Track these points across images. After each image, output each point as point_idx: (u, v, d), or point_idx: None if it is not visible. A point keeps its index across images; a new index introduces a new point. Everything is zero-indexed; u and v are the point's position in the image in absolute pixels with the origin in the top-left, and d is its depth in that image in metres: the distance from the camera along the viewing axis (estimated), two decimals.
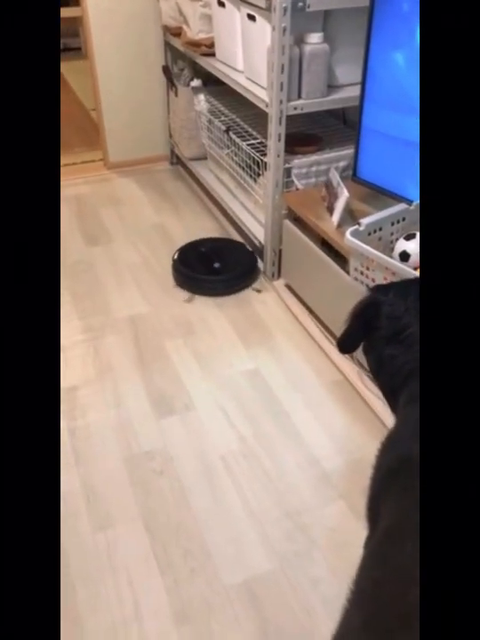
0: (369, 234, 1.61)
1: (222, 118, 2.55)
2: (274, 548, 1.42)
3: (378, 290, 1.13)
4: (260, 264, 2.38)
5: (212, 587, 1.34)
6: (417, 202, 1.68)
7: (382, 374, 1.09)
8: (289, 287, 2.29)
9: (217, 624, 1.27)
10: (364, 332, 1.13)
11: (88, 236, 2.66)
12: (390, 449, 0.93)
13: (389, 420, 1.66)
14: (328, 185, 1.99)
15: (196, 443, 1.69)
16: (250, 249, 2.43)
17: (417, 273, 1.48)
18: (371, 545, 0.80)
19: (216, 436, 1.71)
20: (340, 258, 1.85)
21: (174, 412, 1.79)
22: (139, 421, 1.75)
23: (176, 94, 2.90)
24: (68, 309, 2.20)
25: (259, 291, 2.28)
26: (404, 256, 1.59)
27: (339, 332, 1.18)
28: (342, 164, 2.16)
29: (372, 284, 1.58)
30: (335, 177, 1.93)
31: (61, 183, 3.11)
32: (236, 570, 1.37)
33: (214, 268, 2.32)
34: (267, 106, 1.98)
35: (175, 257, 2.37)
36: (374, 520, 0.90)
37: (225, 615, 1.29)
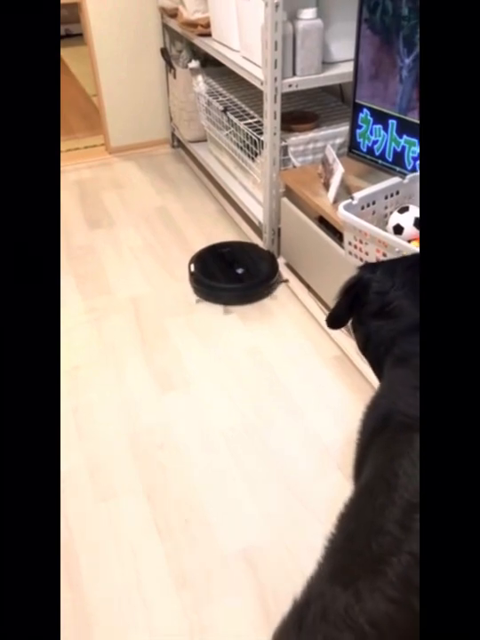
0: (363, 208, 1.62)
1: (220, 99, 2.56)
2: (272, 518, 1.45)
3: (366, 268, 1.17)
4: (261, 243, 2.39)
5: (212, 554, 1.38)
6: (411, 175, 1.69)
7: (370, 347, 1.13)
8: (289, 266, 2.30)
9: (216, 589, 1.31)
10: (352, 309, 1.16)
11: (90, 219, 2.68)
12: (373, 411, 0.96)
13: None
14: (324, 161, 1.99)
15: (197, 418, 1.72)
16: (265, 249, 2.33)
17: (411, 245, 1.49)
18: (348, 501, 0.83)
19: (216, 411, 1.74)
20: (337, 235, 1.86)
21: (175, 388, 1.82)
22: (140, 398, 1.79)
23: (175, 76, 2.90)
24: (71, 291, 2.23)
25: (286, 280, 2.23)
26: (398, 229, 1.60)
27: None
28: (339, 140, 2.17)
29: (365, 258, 1.59)
30: (331, 153, 1.94)
31: (64, 168, 3.14)
32: (236, 538, 1.41)
33: (237, 274, 2.19)
34: (262, 84, 1.98)
35: (192, 268, 2.23)
36: (358, 480, 0.93)
37: (224, 581, 1.33)
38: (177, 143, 3.29)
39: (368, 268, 1.17)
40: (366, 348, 1.15)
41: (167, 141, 3.31)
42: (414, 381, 0.92)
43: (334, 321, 1.24)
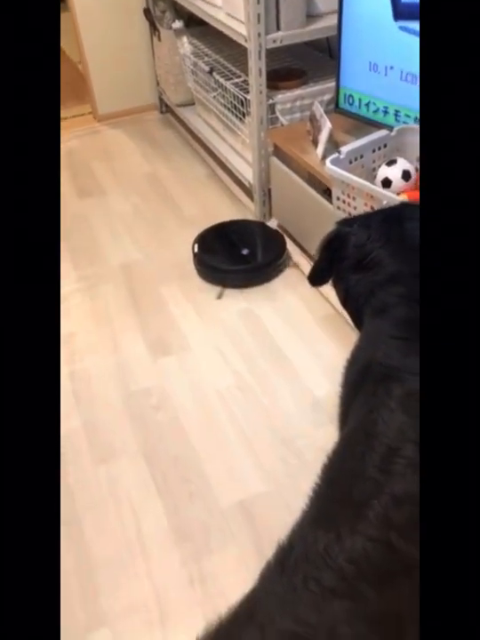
0: (350, 162, 1.60)
1: (206, 59, 2.51)
2: (268, 471, 1.48)
3: (343, 222, 1.17)
4: (252, 205, 2.38)
5: (210, 508, 1.41)
6: (398, 127, 1.67)
7: (350, 301, 1.13)
8: (281, 227, 2.29)
9: (215, 541, 1.34)
10: (332, 264, 1.16)
11: (80, 189, 2.66)
12: (354, 363, 0.97)
13: None
14: (312, 118, 1.97)
15: (192, 379, 1.74)
16: (273, 228, 2.22)
17: (399, 198, 1.48)
18: (331, 452, 0.85)
19: (211, 372, 1.76)
20: (327, 192, 1.85)
21: (170, 352, 1.83)
22: (136, 362, 1.80)
23: (159, 39, 2.84)
24: (64, 260, 2.23)
25: (296, 264, 2.12)
26: (386, 182, 1.59)
27: None
28: (327, 97, 2.13)
29: (354, 213, 1.58)
30: (318, 109, 1.92)
31: None
32: (232, 492, 1.43)
33: (242, 255, 2.10)
34: (245, 40, 1.95)
35: (196, 249, 2.13)
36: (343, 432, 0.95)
37: (222, 533, 1.36)
38: (165, 108, 3.24)
39: (346, 222, 1.17)
40: (347, 302, 1.15)
41: (155, 107, 3.27)
42: (392, 331, 0.93)
43: (316, 278, 1.24)
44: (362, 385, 0.90)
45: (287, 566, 0.72)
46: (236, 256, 2.10)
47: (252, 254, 2.10)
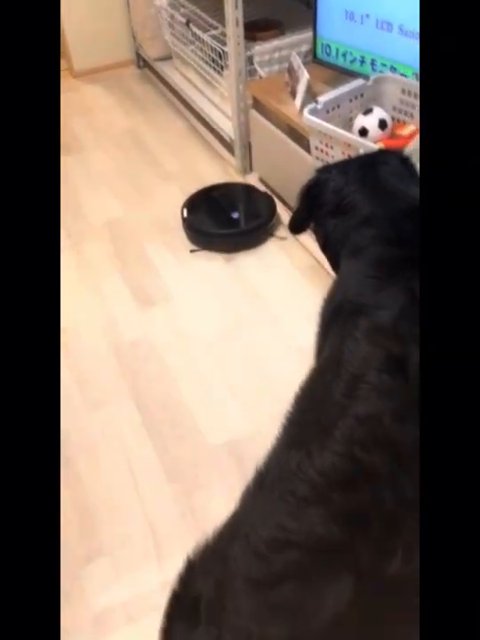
0: (328, 111, 1.63)
1: (182, 11, 2.49)
2: (254, 413, 1.55)
3: (322, 170, 1.20)
4: (233, 159, 2.39)
5: (198, 449, 1.48)
6: (374, 76, 1.69)
7: (329, 245, 1.18)
8: (262, 180, 2.32)
9: (204, 479, 1.42)
10: (312, 211, 1.20)
11: (60, 145, 2.65)
12: (329, 303, 1.03)
13: None
14: (290, 70, 1.98)
15: (178, 329, 1.79)
16: (262, 191, 2.20)
17: (376, 146, 1.52)
18: (302, 382, 0.91)
19: (197, 322, 1.81)
20: (306, 144, 1.87)
21: (156, 303, 1.88)
22: (123, 315, 1.85)
23: None
24: None
25: (283, 238, 2.07)
26: (363, 131, 1.62)
27: None
28: (304, 48, 2.14)
29: (332, 162, 1.62)
30: (296, 60, 1.93)
31: None
32: (220, 433, 1.51)
33: (232, 218, 2.07)
34: None
35: (185, 214, 2.10)
36: None
37: (211, 471, 1.44)
38: (142, 63, 3.20)
39: (324, 169, 1.21)
40: (326, 247, 1.20)
41: (132, 62, 3.22)
42: (365, 271, 0.98)
43: (296, 226, 1.29)
44: (335, 321, 0.96)
45: (265, 486, 0.80)
46: (225, 220, 2.07)
47: (241, 218, 2.08)
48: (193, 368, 1.67)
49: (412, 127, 1.64)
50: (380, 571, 0.64)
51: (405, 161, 1.19)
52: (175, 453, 1.48)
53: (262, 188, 2.28)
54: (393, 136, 1.65)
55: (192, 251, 2.05)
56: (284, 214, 2.13)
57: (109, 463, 1.47)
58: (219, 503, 1.36)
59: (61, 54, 3.21)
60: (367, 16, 1.71)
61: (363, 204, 1.08)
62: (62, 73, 3.20)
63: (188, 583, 0.77)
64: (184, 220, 2.09)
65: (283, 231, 2.09)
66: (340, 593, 0.62)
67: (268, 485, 0.79)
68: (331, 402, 0.79)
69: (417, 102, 1.63)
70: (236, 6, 1.92)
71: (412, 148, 1.49)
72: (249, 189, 2.23)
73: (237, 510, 0.82)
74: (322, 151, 1.63)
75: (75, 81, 3.15)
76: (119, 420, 1.56)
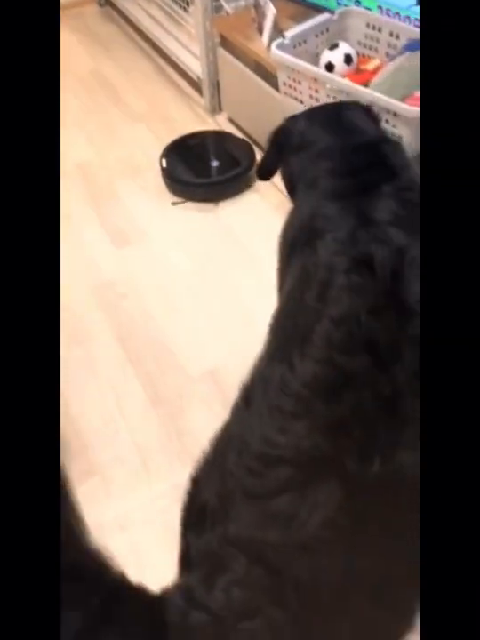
0: (295, 47, 1.66)
1: None
2: (234, 345, 1.62)
3: (289, 119, 1.25)
4: (201, 100, 2.40)
5: (182, 378, 1.56)
6: (340, 10, 1.71)
7: (292, 185, 1.21)
8: (231, 120, 2.33)
9: (188, 404, 1.51)
10: (279, 156, 1.25)
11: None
12: (285, 237, 1.09)
13: None
14: (256, 5, 1.98)
15: (156, 268, 1.85)
16: (240, 137, 2.19)
17: (343, 80, 1.56)
18: (276, 308, 0.98)
19: (174, 261, 1.86)
20: (274, 82, 1.90)
21: (131, 243, 1.93)
22: (99, 255, 1.89)
23: None
24: None
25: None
26: (329, 66, 1.65)
27: None
28: None
29: (300, 97, 1.66)
30: None
31: None
32: (202, 363, 1.59)
33: (212, 167, 2.07)
34: None
35: (164, 164, 2.07)
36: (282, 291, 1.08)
37: (194, 398, 1.52)
38: (105, 1, 3.12)
39: (291, 118, 1.25)
40: (294, 191, 1.21)
41: (94, 0, 3.13)
42: (318, 200, 1.02)
43: (264, 171, 1.33)
44: (293, 253, 1.00)
45: (252, 401, 0.83)
46: (204, 169, 2.06)
47: (224, 165, 2.07)
48: (172, 304, 1.74)
49: (376, 61, 1.68)
50: (364, 473, 0.69)
51: (369, 110, 1.24)
52: (158, 383, 1.56)
53: (232, 127, 2.30)
54: (358, 71, 1.69)
55: (174, 203, 2.04)
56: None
57: (95, 394, 1.54)
58: (202, 426, 1.45)
59: None
60: None
61: (321, 139, 1.13)
62: None
63: (195, 496, 0.81)
64: (163, 169, 2.07)
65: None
66: (329, 498, 0.67)
67: (255, 400, 0.82)
68: (305, 309, 0.84)
69: (381, 36, 1.67)
70: None
71: (377, 82, 1.54)
72: (226, 137, 2.22)
73: (228, 422, 0.86)
74: (290, 87, 1.66)
75: None
76: (102, 355, 1.63)
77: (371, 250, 0.83)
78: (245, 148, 2.13)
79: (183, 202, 2.03)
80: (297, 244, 1.00)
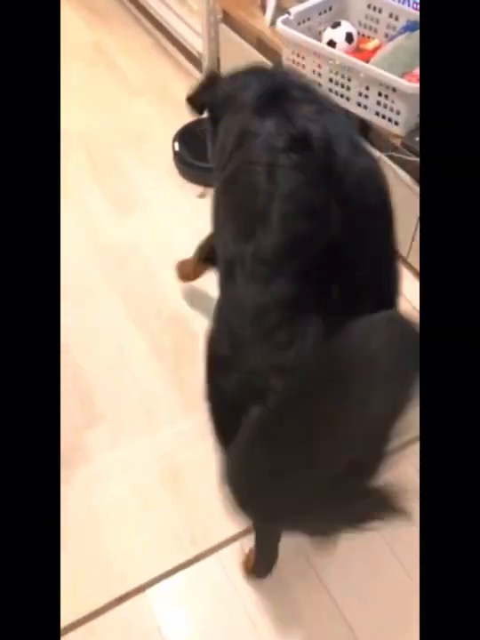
0: (299, 23, 1.73)
1: None
2: None
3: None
4: (200, 75, 2.46)
5: (183, 332, 1.64)
6: None
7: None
8: None
9: (189, 358, 1.58)
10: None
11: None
12: (220, 147, 1.15)
13: None
14: None
15: (157, 235, 1.91)
16: None
17: (344, 56, 1.64)
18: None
19: (175, 228, 1.93)
20: (276, 59, 1.97)
21: (133, 210, 1.99)
22: (101, 220, 1.95)
23: None
24: None
25: None
26: (331, 44, 1.73)
27: None
28: None
29: (303, 72, 1.73)
30: None
31: None
32: (202, 319, 1.66)
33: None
34: None
35: (176, 148, 2.09)
36: None
37: (195, 351, 1.57)
38: None
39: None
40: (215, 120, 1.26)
41: None
42: (244, 117, 1.07)
43: (194, 99, 1.40)
44: (231, 152, 1.07)
45: (234, 275, 0.95)
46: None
47: None
48: (172, 264, 1.80)
49: (376, 41, 1.76)
50: (337, 306, 0.86)
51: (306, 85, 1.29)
52: (161, 338, 1.63)
53: None
54: (358, 50, 1.78)
55: (200, 195, 2.03)
56: None
57: (102, 347, 1.61)
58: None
59: None
60: None
61: (247, 77, 1.20)
62: None
63: (215, 351, 0.96)
64: (176, 153, 2.09)
65: None
66: (313, 327, 0.84)
67: (236, 274, 0.95)
68: (259, 192, 0.94)
69: (381, 17, 1.75)
70: None
71: (377, 60, 1.63)
72: None
73: (222, 297, 1.01)
74: (294, 62, 1.74)
75: None
76: (106, 312, 1.69)
77: (306, 127, 0.95)
78: None
79: (206, 194, 2.03)
80: (233, 149, 1.07)
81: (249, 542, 1.27)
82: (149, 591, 1.25)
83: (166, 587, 1.25)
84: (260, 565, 1.24)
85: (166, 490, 1.37)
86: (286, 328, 0.86)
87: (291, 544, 1.22)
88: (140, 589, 1.25)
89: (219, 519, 1.27)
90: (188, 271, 1.65)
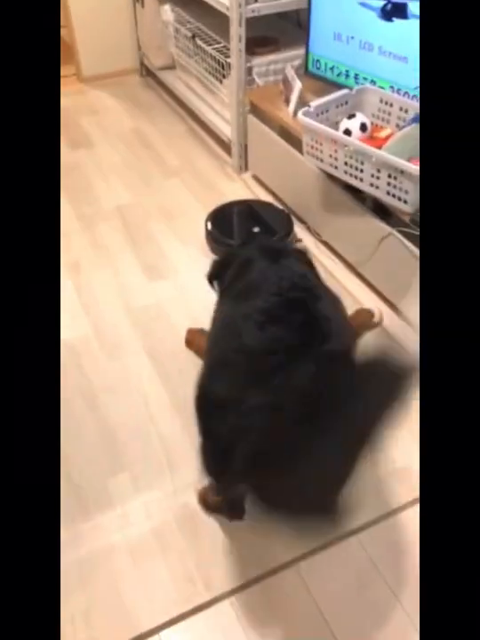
0: (318, 115, 1.94)
1: (188, 26, 2.79)
2: None
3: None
4: (229, 159, 2.69)
5: None
6: (357, 87, 2.01)
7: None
8: (256, 177, 2.61)
9: None
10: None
11: (71, 141, 2.92)
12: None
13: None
14: (284, 80, 2.29)
15: (184, 298, 2.06)
16: (280, 207, 2.35)
17: (359, 143, 1.82)
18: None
19: (200, 293, 2.07)
20: (297, 145, 2.18)
21: (163, 277, 2.15)
22: (134, 284, 2.12)
23: (142, 5, 3.09)
24: (63, 202, 2.50)
25: (299, 240, 2.25)
26: (347, 132, 1.93)
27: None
28: (297, 62, 2.45)
29: (320, 156, 1.92)
30: (290, 72, 2.24)
31: None
32: None
33: (254, 232, 2.19)
34: (227, 9, 2.24)
35: (209, 227, 2.25)
36: None
37: None
38: (145, 72, 3.50)
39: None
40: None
41: (136, 71, 3.52)
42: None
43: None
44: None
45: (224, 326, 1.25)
46: (248, 234, 2.17)
47: (263, 232, 2.18)
48: (196, 326, 1.94)
49: (388, 130, 1.95)
50: (325, 350, 1.04)
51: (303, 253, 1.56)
52: (183, 393, 1.73)
53: (255, 183, 2.58)
54: (371, 137, 1.97)
55: None
56: (299, 231, 2.31)
57: (127, 400, 1.72)
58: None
59: (70, 60, 3.49)
60: (352, 38, 2.04)
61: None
62: (70, 78, 3.48)
63: (208, 394, 1.12)
64: (208, 232, 2.25)
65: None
66: (305, 372, 1.00)
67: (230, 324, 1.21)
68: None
69: (392, 110, 1.95)
70: (240, 24, 2.23)
71: (387, 146, 1.80)
72: (267, 206, 2.37)
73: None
74: (312, 147, 1.93)
75: (81, 85, 3.43)
76: (134, 367, 1.82)
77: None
78: (283, 216, 2.29)
79: None
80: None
81: (259, 589, 1.32)
82: (163, 633, 1.29)
83: (179, 629, 1.30)
84: (230, 509, 1.39)
85: (183, 534, 1.44)
86: (283, 371, 1.00)
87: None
88: (155, 631, 1.29)
89: (232, 565, 1.33)
90: (192, 338, 1.85)
